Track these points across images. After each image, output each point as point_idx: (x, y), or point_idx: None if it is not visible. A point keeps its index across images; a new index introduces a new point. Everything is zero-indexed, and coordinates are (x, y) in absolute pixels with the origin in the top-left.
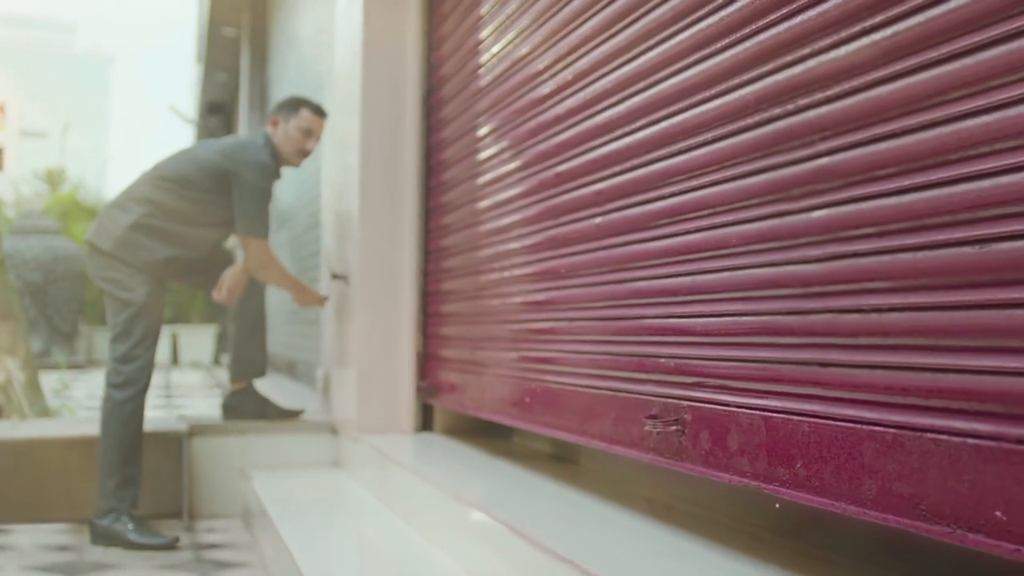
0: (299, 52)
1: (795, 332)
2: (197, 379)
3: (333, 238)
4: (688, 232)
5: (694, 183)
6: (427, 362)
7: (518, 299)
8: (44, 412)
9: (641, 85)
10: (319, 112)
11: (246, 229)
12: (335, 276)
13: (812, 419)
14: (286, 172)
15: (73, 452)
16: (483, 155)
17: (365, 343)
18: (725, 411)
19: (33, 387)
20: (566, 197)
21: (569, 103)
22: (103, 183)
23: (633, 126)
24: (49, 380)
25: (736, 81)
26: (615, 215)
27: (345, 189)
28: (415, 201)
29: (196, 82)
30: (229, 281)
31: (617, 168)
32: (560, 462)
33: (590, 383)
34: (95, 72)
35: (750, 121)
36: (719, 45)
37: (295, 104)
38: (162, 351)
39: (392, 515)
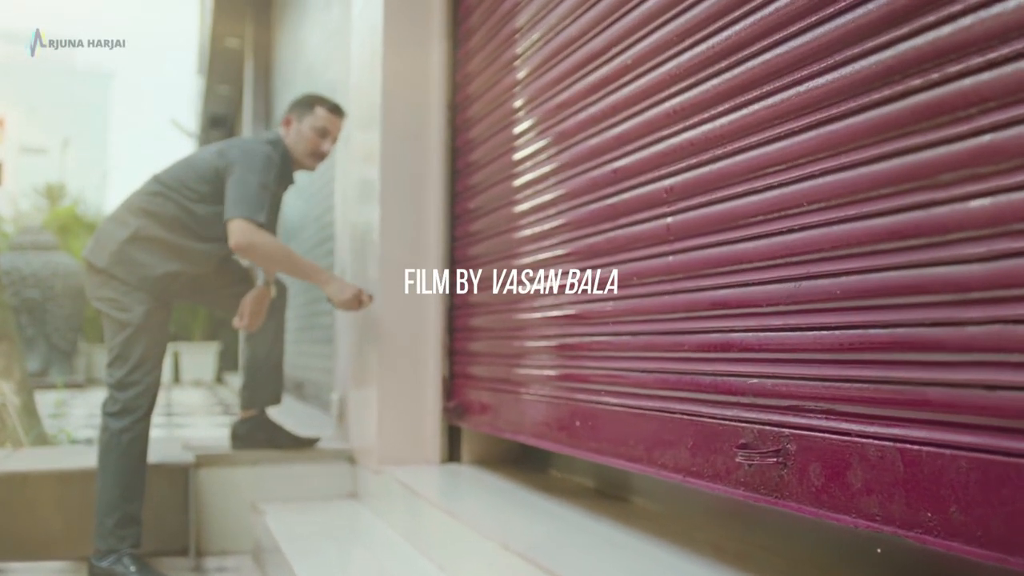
0: (307, 59)
1: (947, 347)
2: (199, 398)
3: (350, 254)
4: (790, 231)
5: (799, 173)
6: (454, 380)
7: (564, 311)
8: (40, 438)
9: (724, 64)
10: (336, 111)
11: (231, 211)
12: None
13: (974, 453)
14: (293, 183)
15: (71, 485)
16: (520, 155)
17: (387, 365)
18: (845, 441)
19: (29, 412)
20: (626, 196)
21: (628, 91)
22: (103, 198)
23: (714, 111)
24: (46, 400)
25: (856, 51)
26: (691, 214)
27: (364, 200)
28: (440, 208)
29: (198, 95)
30: (250, 305)
31: (693, 160)
32: (607, 499)
33: (659, 406)
34: (95, 88)
35: (876, 97)
36: (830, 11)
37: (310, 102)
38: (164, 370)
39: (420, 556)
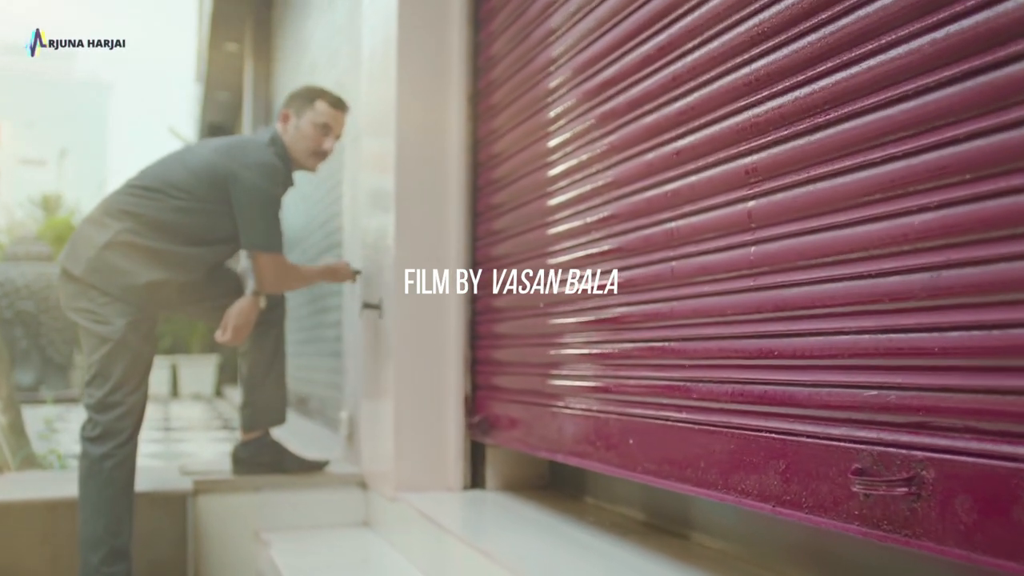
0: (310, 59)
1: None
2: (198, 413)
3: (360, 261)
4: (923, 210)
5: (936, 138)
6: (477, 393)
7: (612, 313)
8: (29, 459)
9: (826, 16)
10: (338, 105)
11: (253, 242)
12: (367, 306)
13: None
14: (295, 187)
15: (59, 515)
16: (555, 141)
17: (403, 378)
18: (1009, 468)
19: (16, 431)
20: (692, 180)
21: (695, 58)
22: None
23: (811, 73)
24: (37, 416)
25: None
26: (781, 196)
27: (376, 207)
28: (461, 206)
29: (196, 103)
30: (235, 318)
31: (784, 132)
32: (660, 534)
33: (739, 422)
34: (93, 99)
35: None
36: None
37: (310, 96)
38: (162, 383)
39: None
